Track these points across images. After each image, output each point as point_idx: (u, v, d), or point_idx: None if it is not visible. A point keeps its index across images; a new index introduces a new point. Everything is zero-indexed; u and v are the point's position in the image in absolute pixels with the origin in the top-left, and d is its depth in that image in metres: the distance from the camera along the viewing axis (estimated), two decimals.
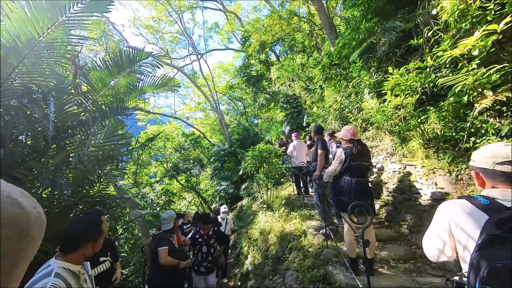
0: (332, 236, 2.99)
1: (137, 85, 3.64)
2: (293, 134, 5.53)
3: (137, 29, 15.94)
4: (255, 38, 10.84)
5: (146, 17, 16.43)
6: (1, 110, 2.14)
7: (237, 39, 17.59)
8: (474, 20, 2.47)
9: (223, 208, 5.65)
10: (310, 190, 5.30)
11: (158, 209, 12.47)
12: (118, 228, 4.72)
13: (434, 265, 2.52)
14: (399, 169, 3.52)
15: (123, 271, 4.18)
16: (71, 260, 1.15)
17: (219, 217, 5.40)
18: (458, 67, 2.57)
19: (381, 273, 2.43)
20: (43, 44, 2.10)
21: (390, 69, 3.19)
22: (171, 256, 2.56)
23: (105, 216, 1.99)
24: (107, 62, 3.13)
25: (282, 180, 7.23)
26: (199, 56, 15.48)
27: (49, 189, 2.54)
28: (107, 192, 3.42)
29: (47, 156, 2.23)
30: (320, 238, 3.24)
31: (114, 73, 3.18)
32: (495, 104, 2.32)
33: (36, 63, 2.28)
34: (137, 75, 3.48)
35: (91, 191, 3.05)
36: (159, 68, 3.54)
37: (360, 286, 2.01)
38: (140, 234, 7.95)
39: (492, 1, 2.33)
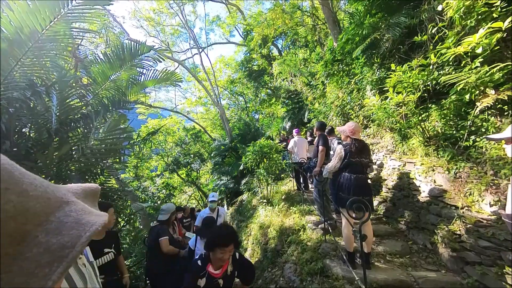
0: (331, 231, 3.05)
1: (139, 78, 3.63)
2: (294, 130, 5.54)
3: (138, 21, 15.72)
4: (257, 32, 10.70)
5: (147, 9, 16.21)
6: (5, 102, 2.16)
7: (239, 33, 17.34)
8: (480, 17, 2.45)
9: (212, 196, 3.73)
10: (310, 185, 5.35)
11: (159, 202, 12.59)
12: (120, 220, 4.81)
13: (429, 260, 2.57)
14: (399, 166, 3.54)
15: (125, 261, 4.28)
16: None
17: (207, 210, 3.72)
18: (462, 65, 2.56)
19: (378, 267, 2.49)
20: (45, 37, 2.10)
21: (393, 66, 3.17)
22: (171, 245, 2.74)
23: (112, 209, 2.04)
24: (108, 55, 3.11)
25: (282, 175, 7.28)
26: (200, 50, 15.32)
27: (53, 181, 2.59)
28: (109, 185, 3.47)
29: (51, 148, 2.26)
30: (319, 232, 3.30)
31: (115, 66, 3.17)
32: (496, 103, 2.32)
33: (39, 56, 2.29)
34: (138, 69, 3.47)
35: None
36: (160, 62, 3.53)
37: (357, 279, 2.07)
38: (141, 227, 8.06)
39: None
